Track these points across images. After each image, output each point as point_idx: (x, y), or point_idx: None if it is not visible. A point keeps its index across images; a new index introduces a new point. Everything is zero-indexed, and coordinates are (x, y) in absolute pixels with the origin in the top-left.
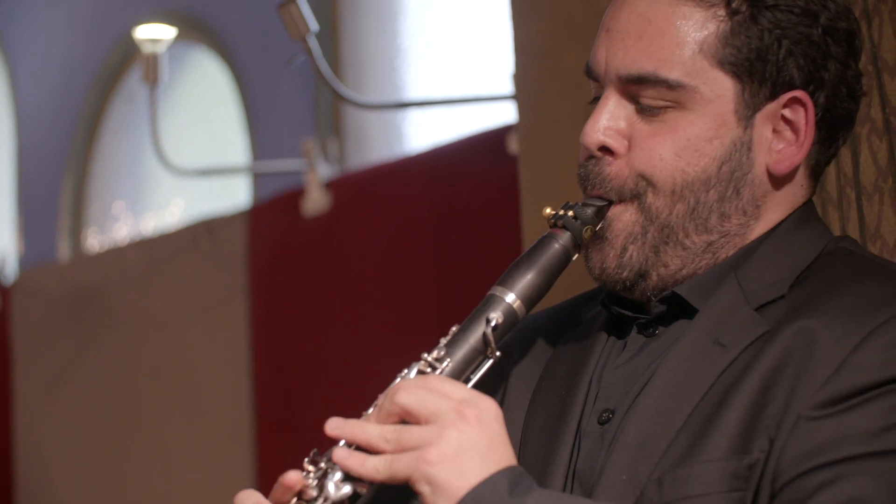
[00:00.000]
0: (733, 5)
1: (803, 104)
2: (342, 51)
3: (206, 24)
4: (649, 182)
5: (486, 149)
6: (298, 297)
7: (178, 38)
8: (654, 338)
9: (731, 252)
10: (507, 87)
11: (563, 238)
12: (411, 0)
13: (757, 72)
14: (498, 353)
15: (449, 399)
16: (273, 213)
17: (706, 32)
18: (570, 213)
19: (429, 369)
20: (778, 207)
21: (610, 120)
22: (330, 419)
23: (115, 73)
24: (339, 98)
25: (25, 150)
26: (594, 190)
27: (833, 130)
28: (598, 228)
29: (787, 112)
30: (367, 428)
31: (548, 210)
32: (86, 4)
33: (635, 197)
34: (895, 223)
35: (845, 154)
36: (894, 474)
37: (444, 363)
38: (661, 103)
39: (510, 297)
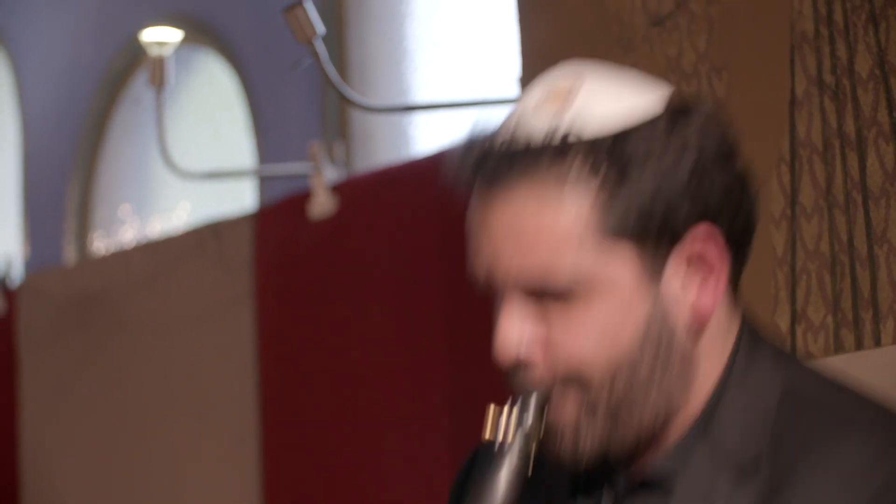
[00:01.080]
0: (600, 176)
1: (707, 237)
2: (348, 54)
3: (212, 28)
4: (577, 375)
5: None
6: (305, 301)
7: (185, 41)
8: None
9: (681, 406)
10: (514, 90)
11: (514, 451)
12: (418, 3)
13: (650, 230)
14: None
15: None
16: (279, 216)
17: (582, 217)
18: (511, 428)
19: None
20: (713, 348)
21: (518, 328)
22: None
23: (121, 76)
24: (346, 101)
25: (31, 154)
26: (526, 395)
27: (741, 243)
28: (542, 430)
29: (693, 250)
30: None
31: (488, 434)
32: (92, 7)
33: (569, 393)
34: None
35: (852, 157)
36: None
37: None
38: (564, 297)
39: None
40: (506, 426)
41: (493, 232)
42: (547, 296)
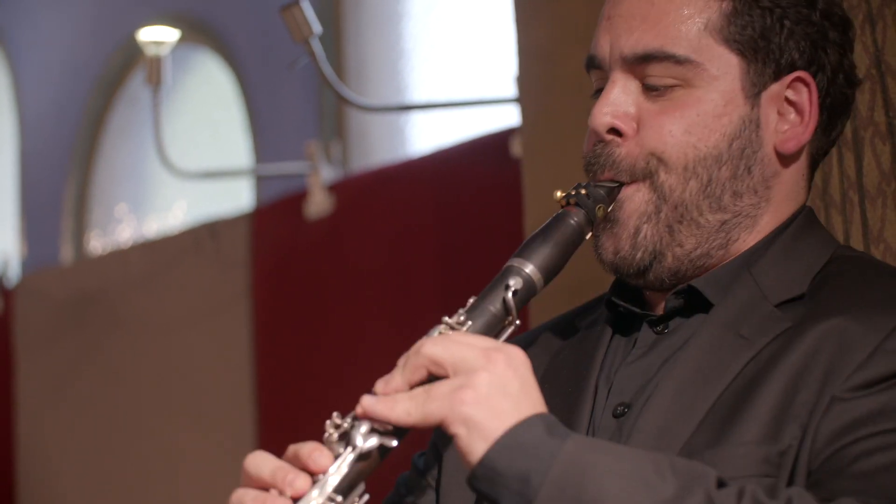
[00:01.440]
0: None
1: (806, 84)
2: (345, 53)
3: (209, 27)
4: (661, 160)
5: (489, 152)
6: (301, 300)
7: (182, 40)
8: (664, 335)
9: (741, 234)
10: (511, 89)
11: (578, 215)
12: (415, 2)
13: (761, 51)
14: (518, 322)
15: (476, 347)
16: (276, 215)
17: (709, 12)
18: (583, 191)
19: (450, 331)
20: (785, 195)
21: (617, 102)
22: (363, 398)
23: (118, 75)
24: (342, 101)
25: (28, 153)
26: (604, 173)
27: (833, 116)
28: (609, 210)
29: (790, 93)
30: (398, 397)
31: (559, 193)
32: (89, 7)
33: (647, 176)
34: None
35: (848, 157)
36: None
37: (465, 326)
38: (669, 81)
39: (529, 268)
40: (576, 192)
41: (626, 6)
42: (654, 75)
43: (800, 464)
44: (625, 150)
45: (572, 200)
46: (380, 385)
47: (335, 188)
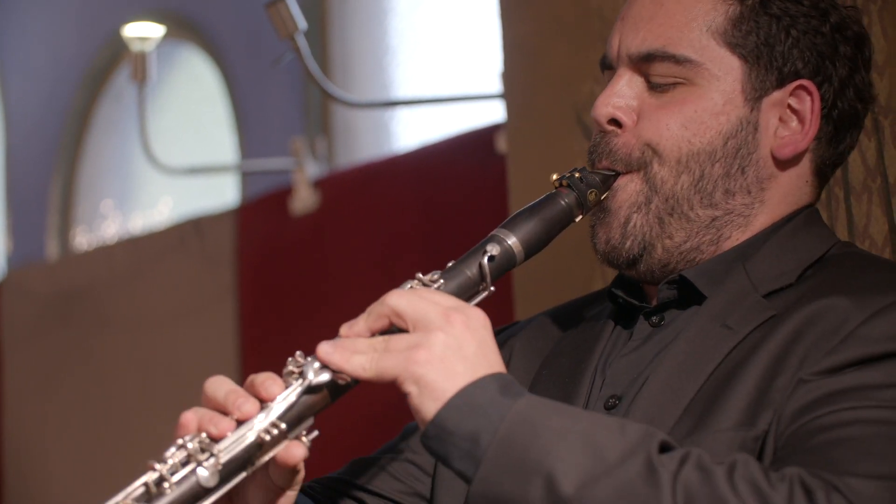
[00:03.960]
0: None
1: (810, 93)
2: (331, 49)
3: (194, 23)
4: (655, 151)
5: (474, 148)
6: (286, 296)
7: (167, 36)
8: (659, 327)
9: (734, 233)
10: (496, 85)
11: (568, 196)
12: None
13: (764, 57)
14: (492, 288)
15: (438, 305)
16: (261, 211)
17: (715, 14)
18: (577, 174)
19: (421, 287)
20: (783, 198)
21: (620, 95)
22: (321, 344)
23: (103, 71)
24: (328, 96)
25: (14, 149)
26: (601, 162)
27: (840, 128)
28: (603, 198)
29: (793, 101)
30: (358, 342)
31: (555, 175)
32: (74, 3)
33: (641, 166)
34: (884, 222)
35: None
36: (892, 426)
37: (437, 285)
38: (671, 80)
39: (511, 239)
40: (570, 174)
41: (637, 8)
42: (657, 73)
43: (767, 446)
44: (622, 140)
45: (565, 182)
46: (344, 328)
47: (320, 184)
